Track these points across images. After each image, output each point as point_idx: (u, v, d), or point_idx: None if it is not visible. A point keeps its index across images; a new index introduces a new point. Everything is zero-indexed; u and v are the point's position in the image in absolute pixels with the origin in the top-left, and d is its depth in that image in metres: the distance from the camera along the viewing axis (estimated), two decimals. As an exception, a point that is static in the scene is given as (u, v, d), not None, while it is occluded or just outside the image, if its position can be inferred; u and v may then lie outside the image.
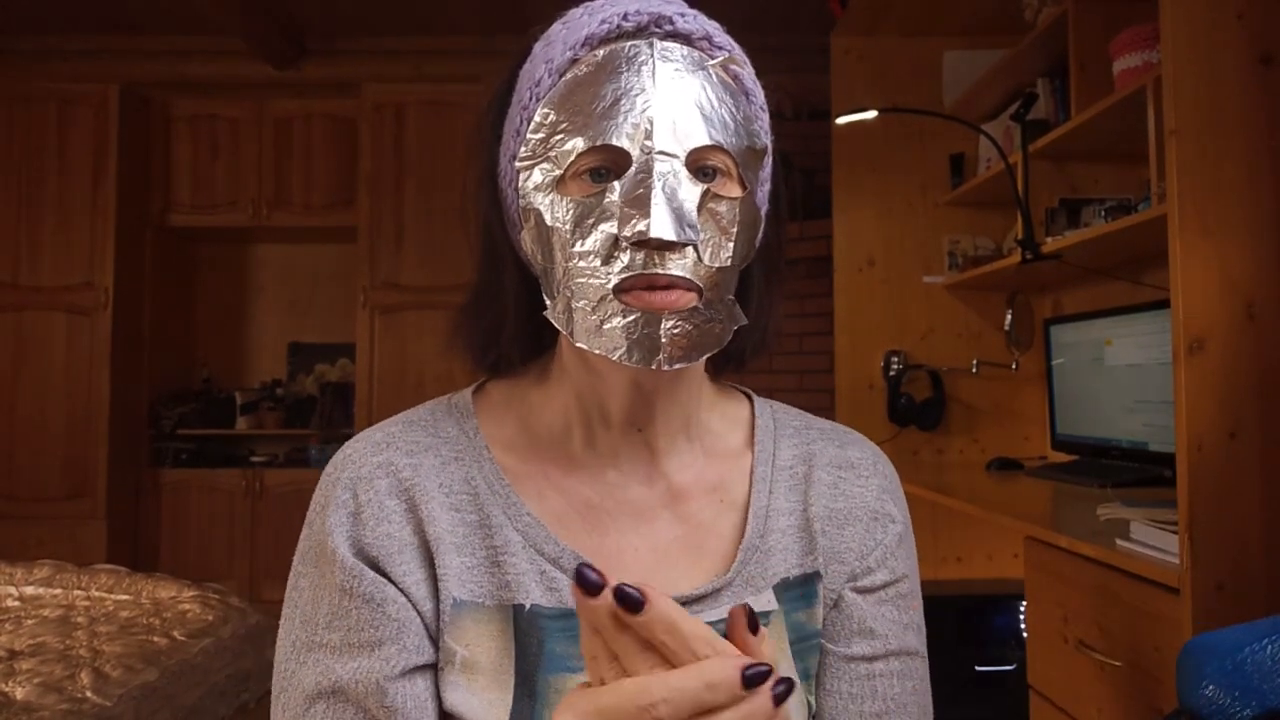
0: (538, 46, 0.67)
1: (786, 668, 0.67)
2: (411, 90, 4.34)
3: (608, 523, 0.69)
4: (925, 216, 3.11)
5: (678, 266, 0.59)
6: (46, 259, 4.19)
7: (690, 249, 0.60)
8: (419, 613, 0.65)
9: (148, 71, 4.45)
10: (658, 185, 0.59)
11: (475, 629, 0.64)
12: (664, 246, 0.59)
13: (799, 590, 0.70)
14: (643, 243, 0.58)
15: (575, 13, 0.66)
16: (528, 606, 0.65)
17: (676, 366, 0.60)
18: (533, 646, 0.64)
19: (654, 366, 0.60)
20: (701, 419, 0.73)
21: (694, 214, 0.60)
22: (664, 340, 0.60)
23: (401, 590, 0.64)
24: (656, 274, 0.59)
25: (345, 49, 4.51)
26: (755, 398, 0.78)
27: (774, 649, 0.55)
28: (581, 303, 0.61)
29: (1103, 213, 2.21)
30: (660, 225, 0.57)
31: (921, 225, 3.11)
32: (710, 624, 0.65)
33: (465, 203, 0.72)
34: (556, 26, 0.67)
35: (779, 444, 0.75)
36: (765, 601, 0.69)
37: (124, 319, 4.25)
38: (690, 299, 0.60)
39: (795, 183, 3.81)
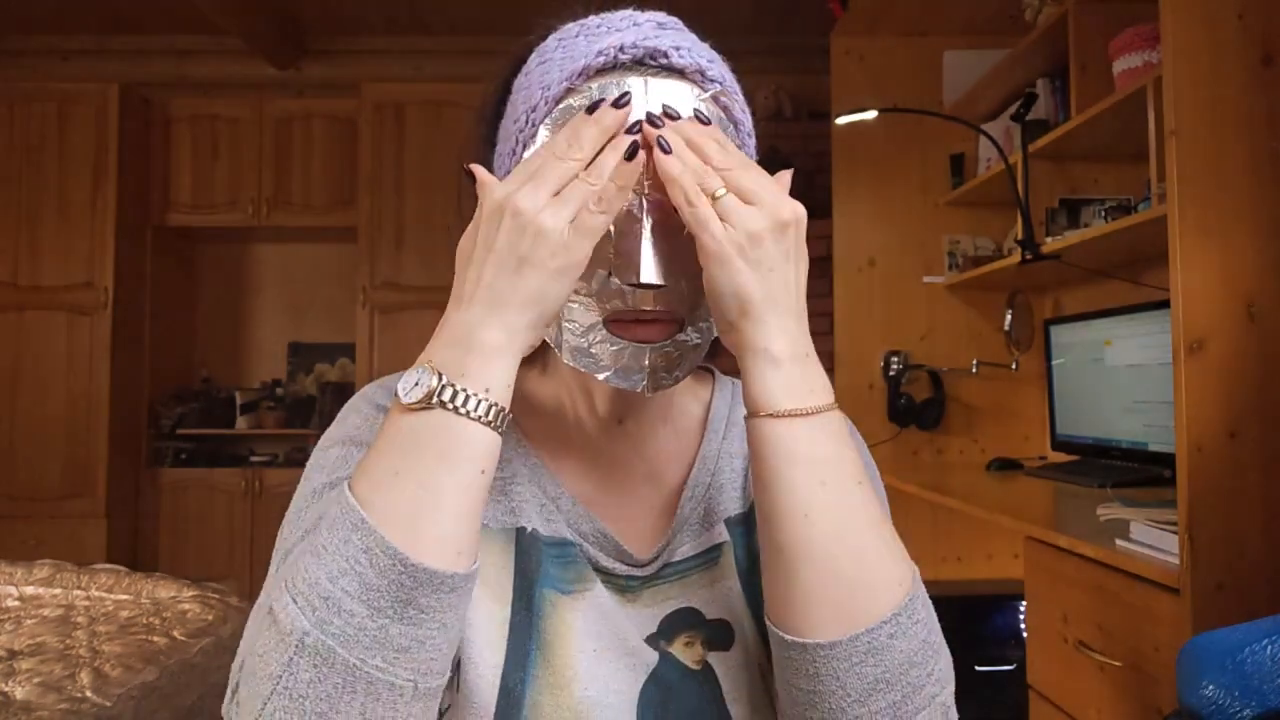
0: (534, 63, 0.69)
1: (729, 589, 0.71)
2: (411, 90, 4.34)
3: (594, 493, 0.74)
4: (925, 216, 3.11)
5: (663, 302, 0.64)
6: (46, 259, 4.19)
7: (677, 284, 0.64)
8: None
9: (148, 71, 4.45)
10: (646, 230, 0.62)
11: (482, 546, 0.66)
12: (652, 288, 0.63)
13: (751, 525, 0.74)
14: (634, 285, 0.63)
15: (571, 30, 0.68)
16: (529, 529, 0.70)
17: (662, 390, 0.66)
18: (532, 563, 0.69)
19: (639, 391, 0.66)
20: (675, 401, 0.78)
21: (681, 255, 0.63)
22: (649, 368, 0.65)
23: None
24: (644, 310, 0.64)
25: (345, 49, 4.51)
26: (717, 373, 0.83)
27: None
28: (571, 324, 0.66)
29: (1103, 213, 2.21)
30: (649, 272, 0.62)
31: (921, 225, 3.11)
32: (676, 564, 0.71)
33: (460, 205, 0.75)
34: (552, 43, 0.68)
35: (734, 406, 0.80)
36: (718, 534, 0.73)
37: (124, 319, 4.25)
38: (672, 330, 0.66)
39: (795, 183, 3.81)
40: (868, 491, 0.62)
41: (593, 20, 0.68)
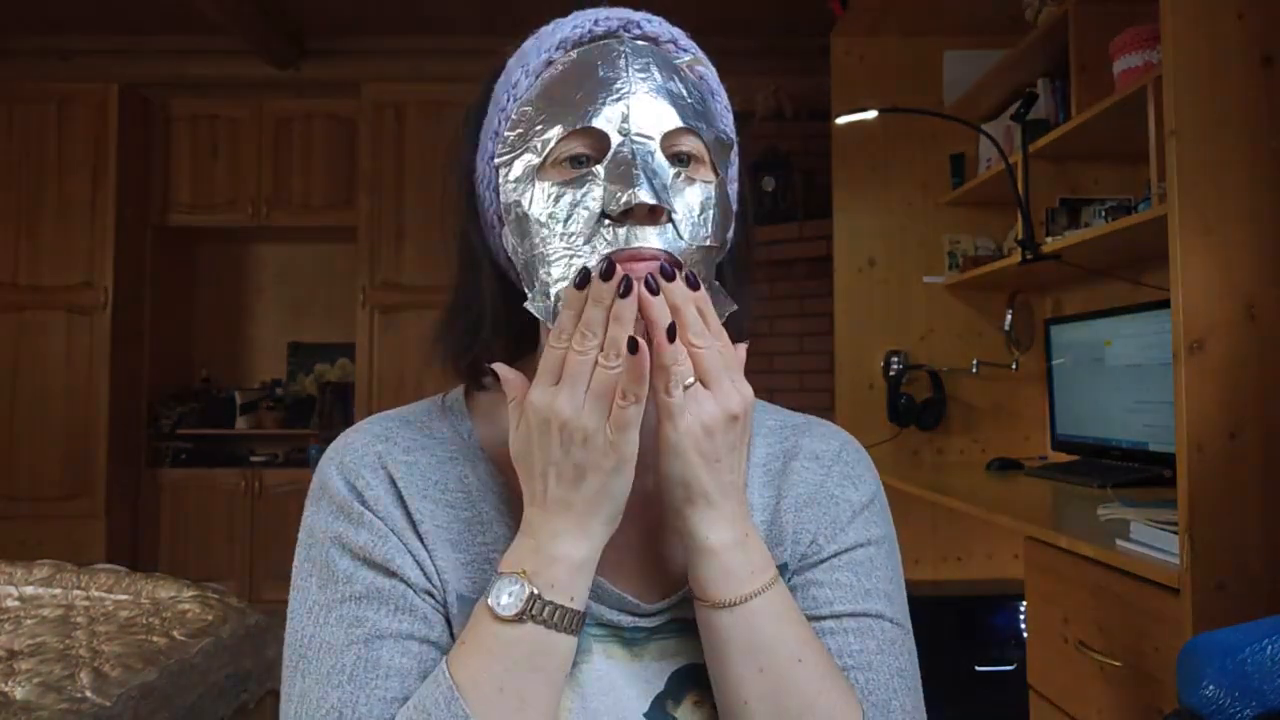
0: (512, 61, 0.70)
1: None
2: (411, 90, 4.34)
3: None
4: (925, 216, 3.11)
5: (660, 240, 0.62)
6: (46, 259, 4.19)
7: (670, 226, 0.62)
8: (418, 572, 0.67)
9: (148, 71, 4.45)
10: (638, 159, 0.61)
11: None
12: (647, 217, 0.61)
13: None
14: (627, 214, 0.61)
15: (546, 28, 0.70)
16: None
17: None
18: None
19: (639, 335, 0.60)
20: None
21: (675, 198, 0.63)
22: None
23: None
24: (641, 248, 0.61)
25: (345, 49, 4.51)
26: None
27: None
28: (564, 284, 0.62)
29: (1103, 213, 2.21)
30: (645, 191, 0.60)
31: (921, 225, 3.11)
32: (688, 620, 0.67)
33: (444, 213, 0.74)
34: (529, 41, 0.70)
35: (755, 441, 0.75)
36: None
37: (124, 319, 4.25)
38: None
39: (795, 183, 3.81)
40: (808, 665, 0.63)
41: (566, 17, 0.70)
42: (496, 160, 0.67)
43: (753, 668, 0.62)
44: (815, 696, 0.63)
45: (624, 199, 0.60)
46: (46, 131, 4.22)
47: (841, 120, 2.90)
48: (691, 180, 0.64)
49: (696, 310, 0.61)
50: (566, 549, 0.60)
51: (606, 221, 0.61)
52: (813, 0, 3.56)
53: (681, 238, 0.63)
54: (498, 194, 0.67)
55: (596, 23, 0.67)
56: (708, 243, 0.64)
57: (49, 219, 4.20)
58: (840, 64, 3.15)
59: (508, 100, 0.67)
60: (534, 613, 0.59)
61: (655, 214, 0.61)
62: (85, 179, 4.20)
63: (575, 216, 0.62)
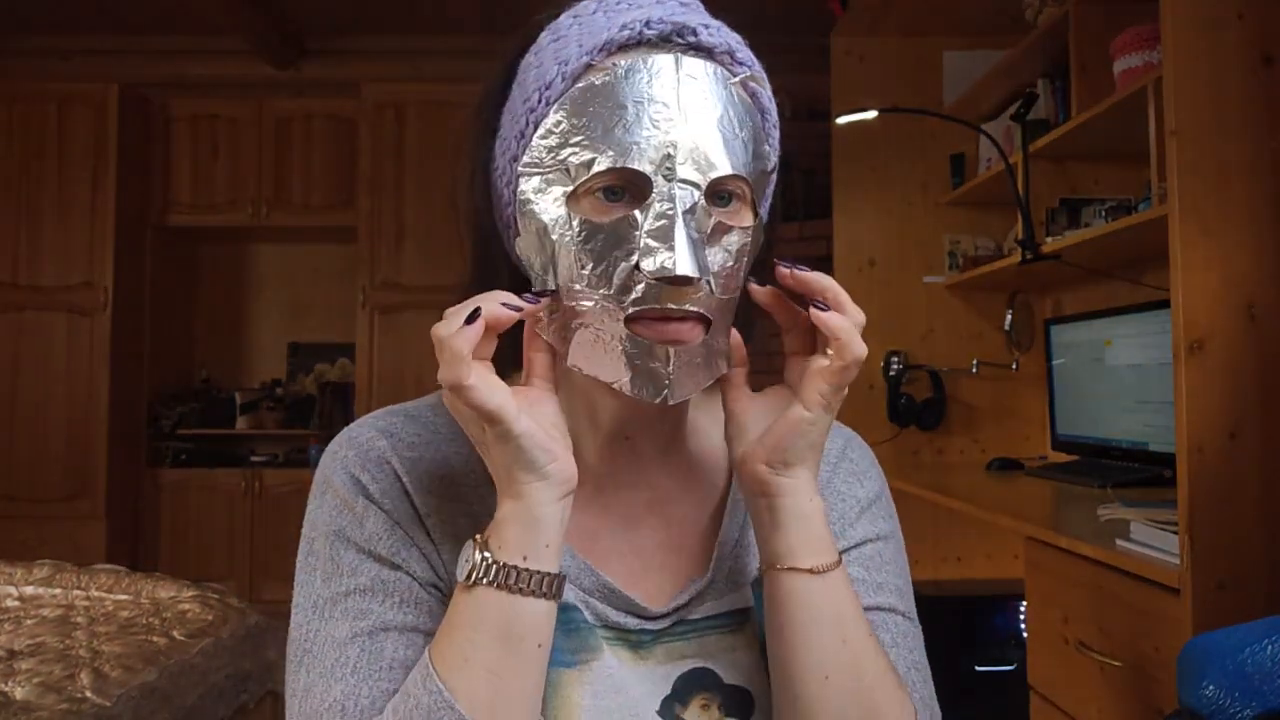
0: (545, 40, 0.64)
1: (750, 659, 0.67)
2: (411, 90, 4.34)
3: (594, 527, 0.68)
4: (925, 216, 3.11)
5: (692, 301, 0.59)
6: (46, 259, 4.19)
7: (704, 283, 0.59)
8: (424, 566, 0.66)
9: (148, 71, 4.45)
10: (680, 218, 0.57)
11: None
12: (685, 283, 0.58)
13: None
14: (664, 279, 0.58)
15: (588, 7, 0.63)
16: None
17: (681, 399, 0.61)
18: None
19: (658, 400, 0.60)
20: (689, 419, 0.72)
21: (714, 249, 0.60)
22: (671, 373, 0.60)
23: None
24: (671, 309, 0.59)
25: (345, 49, 4.51)
26: None
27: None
28: (586, 327, 0.60)
29: (1103, 213, 2.21)
30: (684, 263, 0.56)
31: (921, 225, 3.11)
32: (694, 621, 0.67)
33: (454, 195, 0.71)
34: (566, 20, 0.64)
35: None
36: (744, 598, 0.69)
37: (124, 319, 4.25)
38: (699, 332, 0.60)
39: (795, 183, 3.81)
40: (876, 641, 0.64)
41: (616, 3, 0.63)
42: (520, 166, 0.62)
43: (837, 638, 0.61)
44: (884, 673, 0.62)
45: (663, 265, 0.57)
46: (46, 131, 4.22)
47: (841, 120, 2.90)
48: (729, 228, 0.61)
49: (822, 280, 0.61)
50: (507, 509, 0.58)
51: (640, 276, 0.58)
52: (812, 0, 3.56)
53: (714, 294, 0.60)
54: (517, 196, 0.63)
55: (649, 25, 0.60)
56: (737, 294, 0.63)
57: (49, 219, 4.20)
58: (840, 64, 3.15)
59: (539, 99, 0.61)
60: (488, 577, 0.57)
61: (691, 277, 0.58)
62: (85, 179, 4.20)
63: (607, 262, 0.59)
